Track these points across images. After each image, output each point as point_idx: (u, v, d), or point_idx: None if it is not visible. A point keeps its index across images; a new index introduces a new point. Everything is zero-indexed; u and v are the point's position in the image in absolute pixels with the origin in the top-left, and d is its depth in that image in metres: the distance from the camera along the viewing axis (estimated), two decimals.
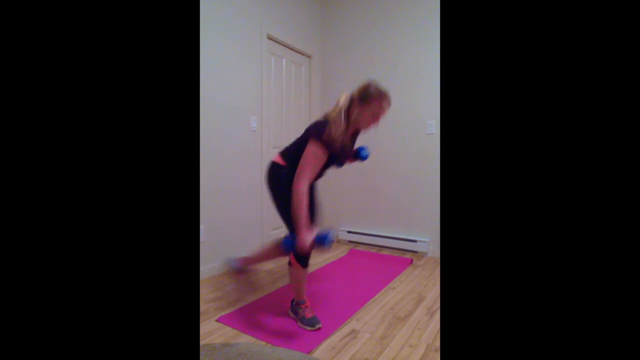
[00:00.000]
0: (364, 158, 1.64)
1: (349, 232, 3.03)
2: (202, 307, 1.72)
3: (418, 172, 2.72)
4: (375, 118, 1.42)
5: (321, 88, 3.20)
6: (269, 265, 2.42)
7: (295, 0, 2.86)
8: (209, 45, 2.11)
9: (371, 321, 1.58)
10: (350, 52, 3.02)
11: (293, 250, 1.39)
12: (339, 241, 3.11)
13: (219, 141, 2.21)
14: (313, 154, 1.35)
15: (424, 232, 2.71)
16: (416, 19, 2.67)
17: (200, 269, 2.10)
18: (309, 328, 1.48)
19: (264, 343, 1.38)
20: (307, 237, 1.32)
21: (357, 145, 2.79)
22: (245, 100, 2.40)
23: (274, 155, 2.71)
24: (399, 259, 2.51)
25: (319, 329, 1.48)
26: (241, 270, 1.77)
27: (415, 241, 2.69)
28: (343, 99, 1.42)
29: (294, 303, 1.58)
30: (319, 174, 1.49)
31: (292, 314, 1.59)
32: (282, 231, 2.83)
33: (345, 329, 1.51)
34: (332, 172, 3.18)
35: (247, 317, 1.60)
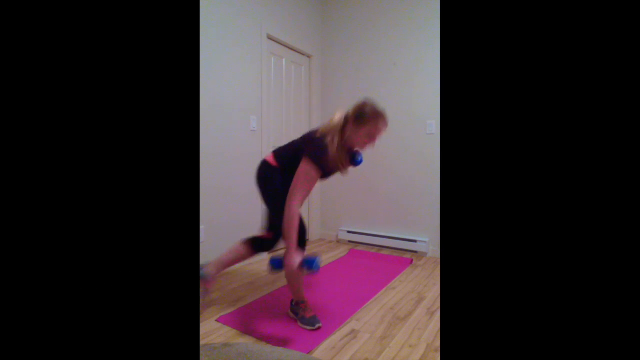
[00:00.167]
0: (357, 164, 1.59)
1: (349, 232, 3.03)
2: (202, 307, 1.72)
3: (418, 172, 2.72)
4: (371, 138, 1.39)
5: (321, 88, 3.20)
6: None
7: (295, 0, 2.86)
8: (209, 46, 2.11)
9: (371, 321, 1.58)
10: (350, 52, 3.02)
11: (281, 269, 1.38)
12: (339, 241, 3.11)
13: (219, 141, 2.21)
14: (307, 174, 1.33)
15: (424, 232, 2.71)
16: (416, 19, 2.67)
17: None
18: (309, 328, 1.48)
19: (264, 343, 1.38)
20: (296, 258, 1.33)
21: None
22: (245, 100, 2.40)
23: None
24: (399, 259, 2.51)
25: (319, 329, 1.48)
26: (210, 278, 1.63)
27: (415, 241, 2.69)
28: (337, 118, 1.38)
29: (293, 303, 1.58)
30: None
31: (292, 314, 1.59)
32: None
33: (345, 329, 1.51)
34: None
35: (247, 317, 1.60)
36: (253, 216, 2.51)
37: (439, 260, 2.57)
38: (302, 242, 1.50)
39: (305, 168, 1.33)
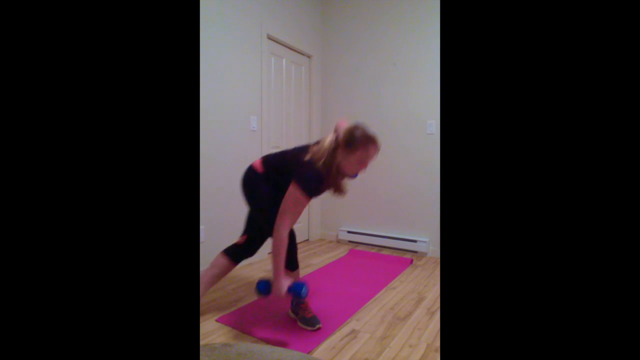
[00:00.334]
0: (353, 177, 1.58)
1: (349, 232, 3.03)
2: (202, 307, 1.72)
3: (418, 172, 2.72)
4: (362, 164, 1.34)
5: (321, 88, 3.20)
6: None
7: (295, 0, 2.86)
8: (209, 45, 2.11)
9: (371, 321, 1.58)
10: (350, 52, 3.02)
11: (268, 294, 1.37)
12: (339, 241, 3.11)
13: (219, 141, 2.21)
14: (296, 199, 1.29)
15: (424, 232, 2.71)
16: (416, 19, 2.67)
17: (201, 269, 2.10)
18: (309, 328, 1.48)
19: (263, 343, 1.38)
20: (284, 283, 1.32)
21: None
22: (245, 100, 2.40)
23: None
24: (399, 259, 2.51)
25: (319, 329, 1.48)
26: None
27: (415, 241, 2.69)
28: (328, 141, 1.34)
29: (294, 303, 1.58)
30: None
31: (292, 314, 1.59)
32: None
33: (345, 329, 1.51)
34: None
35: (247, 317, 1.59)
36: None
37: (439, 260, 2.57)
38: (293, 262, 1.49)
39: (294, 193, 1.29)
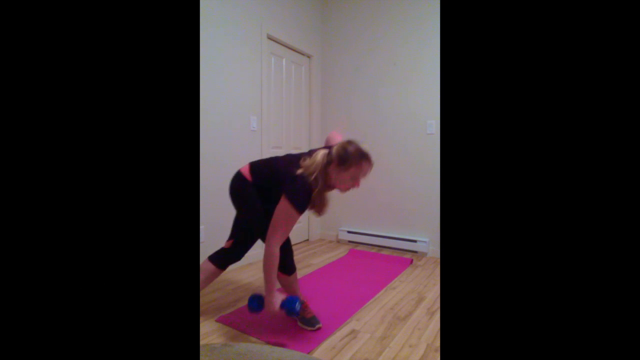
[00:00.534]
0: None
1: (349, 232, 3.03)
2: (202, 307, 1.72)
3: (418, 172, 2.72)
4: (354, 181, 1.32)
5: (321, 88, 3.20)
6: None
7: (295, 0, 2.86)
8: (209, 46, 2.11)
9: (371, 321, 1.58)
10: (350, 52, 3.02)
11: (259, 310, 1.36)
12: (339, 241, 3.11)
13: (219, 141, 2.21)
14: (287, 214, 1.27)
15: (424, 232, 2.71)
16: (416, 18, 2.67)
17: None
18: (309, 328, 1.48)
19: (263, 343, 1.38)
20: (276, 299, 1.31)
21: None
22: (245, 100, 2.40)
23: (272, 152, 2.71)
24: (399, 259, 2.51)
25: (319, 329, 1.48)
26: None
27: (415, 241, 2.69)
28: (320, 156, 1.32)
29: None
30: None
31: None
32: None
33: (345, 329, 1.51)
34: None
35: (247, 317, 1.59)
36: None
37: (439, 260, 2.57)
38: (290, 266, 1.47)
39: (286, 208, 1.27)
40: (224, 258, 1.50)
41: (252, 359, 0.95)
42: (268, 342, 1.38)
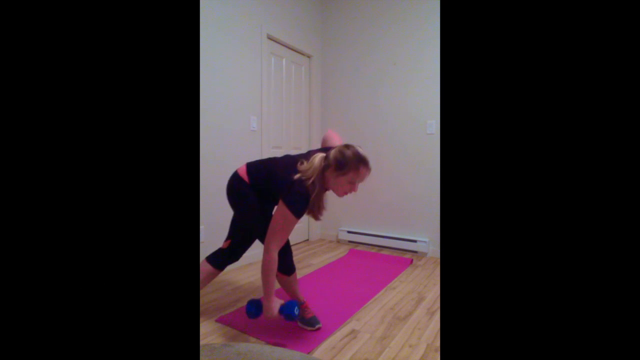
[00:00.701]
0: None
1: (349, 232, 3.03)
2: (202, 307, 1.72)
3: (418, 172, 2.72)
4: (352, 186, 1.31)
5: (321, 88, 3.20)
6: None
7: (295, 0, 2.86)
8: (209, 46, 2.11)
9: (371, 321, 1.58)
10: (350, 51, 3.02)
11: (258, 316, 1.36)
12: (339, 241, 3.11)
13: (219, 141, 2.21)
14: (285, 220, 1.27)
15: (424, 232, 2.71)
16: (416, 18, 2.67)
17: None
18: (309, 328, 1.48)
19: (263, 343, 1.38)
20: (275, 305, 1.31)
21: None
22: (245, 100, 2.40)
23: (271, 152, 2.71)
24: (399, 259, 2.51)
25: (319, 329, 1.48)
26: None
27: (415, 241, 2.69)
28: (317, 160, 1.31)
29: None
30: None
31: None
32: None
33: (345, 329, 1.51)
34: None
35: (247, 317, 1.60)
36: None
37: (439, 260, 2.57)
38: (289, 266, 1.47)
39: (284, 214, 1.26)
40: (222, 259, 1.50)
41: (252, 359, 0.95)
42: (268, 342, 1.38)
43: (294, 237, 3.01)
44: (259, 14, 2.50)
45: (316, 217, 1.37)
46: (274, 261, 1.28)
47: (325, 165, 1.31)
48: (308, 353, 1.31)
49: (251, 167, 1.42)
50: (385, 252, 2.77)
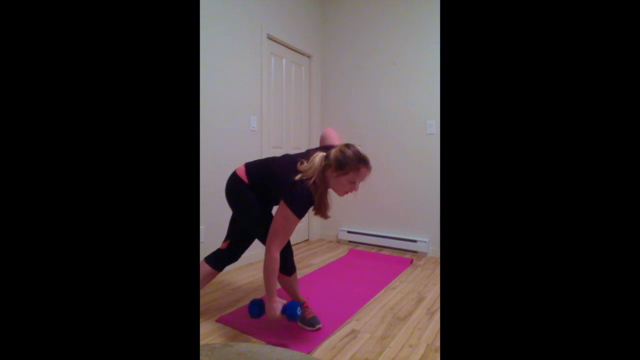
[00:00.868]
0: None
1: (349, 232, 3.03)
2: (202, 307, 1.72)
3: (418, 172, 2.72)
4: (353, 186, 1.31)
5: (321, 88, 3.20)
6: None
7: (295, 0, 2.86)
8: (209, 45, 2.11)
9: (371, 321, 1.58)
10: (350, 52, 3.02)
11: (260, 316, 1.37)
12: (339, 241, 3.11)
13: (219, 141, 2.21)
14: (287, 221, 1.26)
15: (424, 232, 2.71)
16: (416, 18, 2.67)
17: None
18: (309, 328, 1.48)
19: (263, 343, 1.38)
20: (277, 306, 1.31)
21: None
22: (245, 100, 2.40)
23: (273, 152, 2.71)
24: (399, 259, 2.51)
25: (319, 329, 1.48)
26: None
27: (415, 241, 2.69)
28: (318, 160, 1.30)
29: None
30: None
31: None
32: None
33: (345, 329, 1.51)
34: None
35: (247, 317, 1.59)
36: None
37: (439, 260, 2.57)
38: (290, 266, 1.46)
39: (285, 214, 1.26)
40: (220, 259, 1.50)
41: (252, 359, 0.95)
42: (268, 342, 1.38)
43: (294, 237, 3.01)
44: (259, 14, 2.50)
45: (324, 216, 1.38)
46: (275, 261, 1.28)
47: (326, 165, 1.30)
48: (308, 353, 1.31)
49: (250, 167, 1.42)
50: (385, 252, 2.77)
